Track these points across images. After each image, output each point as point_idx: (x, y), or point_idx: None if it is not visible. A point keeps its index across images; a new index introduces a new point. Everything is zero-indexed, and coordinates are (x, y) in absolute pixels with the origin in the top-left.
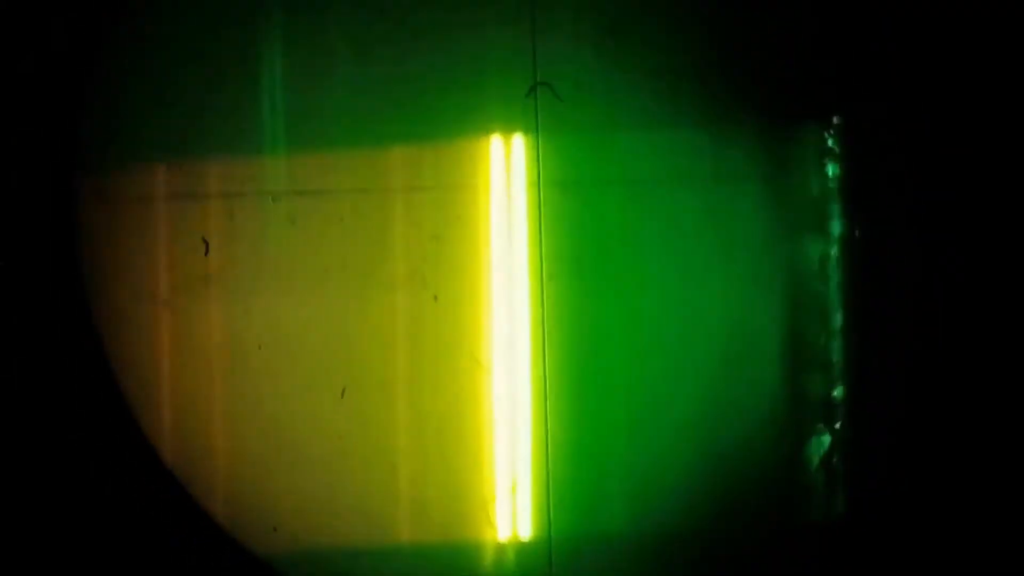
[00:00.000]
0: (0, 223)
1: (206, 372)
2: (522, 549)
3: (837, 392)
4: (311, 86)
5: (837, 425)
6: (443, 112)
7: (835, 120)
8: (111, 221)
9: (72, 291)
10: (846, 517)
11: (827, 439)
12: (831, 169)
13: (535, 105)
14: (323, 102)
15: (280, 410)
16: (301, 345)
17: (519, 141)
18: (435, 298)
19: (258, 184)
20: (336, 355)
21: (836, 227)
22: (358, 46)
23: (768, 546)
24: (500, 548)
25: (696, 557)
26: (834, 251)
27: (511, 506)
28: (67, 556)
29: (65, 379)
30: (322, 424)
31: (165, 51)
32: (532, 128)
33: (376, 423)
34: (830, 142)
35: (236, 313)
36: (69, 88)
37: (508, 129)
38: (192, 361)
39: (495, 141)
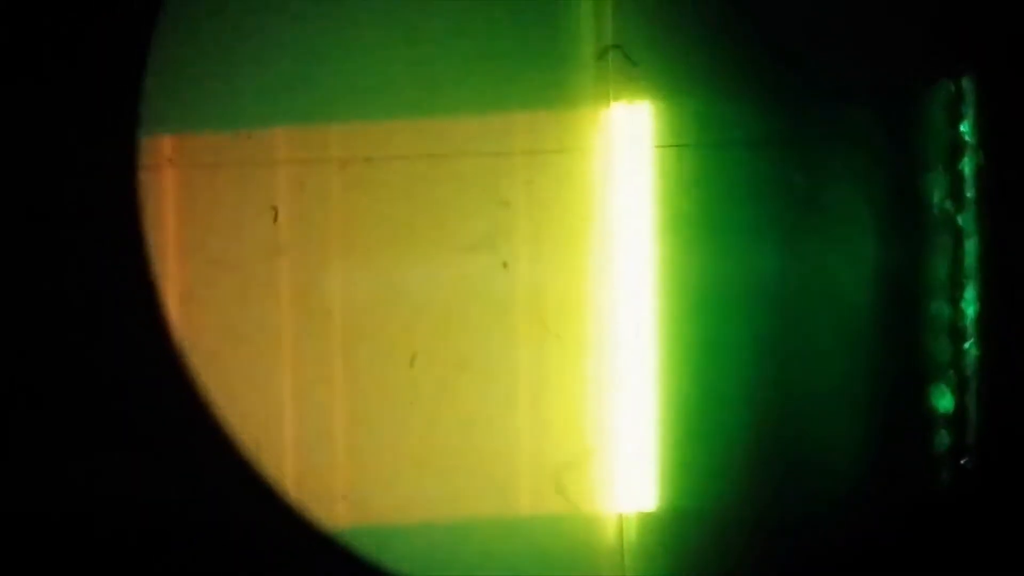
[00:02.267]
0: (64, 190)
1: (275, 341)
2: (592, 522)
3: (948, 363)
4: (378, 52)
5: (944, 399)
6: (511, 77)
7: (943, 81)
8: (177, 188)
9: (136, 259)
10: (946, 496)
11: (940, 409)
12: (939, 131)
13: (607, 69)
14: (391, 68)
15: (349, 378)
16: (370, 313)
17: (590, 106)
18: (504, 265)
19: (327, 151)
20: (406, 323)
21: (944, 190)
22: (425, 12)
23: (849, 527)
24: (570, 521)
25: (773, 537)
26: (944, 214)
27: (582, 477)
28: (133, 530)
29: (130, 351)
30: (391, 392)
31: (232, 15)
32: (604, 93)
33: (446, 391)
34: (937, 104)
35: (305, 281)
36: (134, 51)
37: (578, 94)
38: (260, 330)
39: (566, 106)
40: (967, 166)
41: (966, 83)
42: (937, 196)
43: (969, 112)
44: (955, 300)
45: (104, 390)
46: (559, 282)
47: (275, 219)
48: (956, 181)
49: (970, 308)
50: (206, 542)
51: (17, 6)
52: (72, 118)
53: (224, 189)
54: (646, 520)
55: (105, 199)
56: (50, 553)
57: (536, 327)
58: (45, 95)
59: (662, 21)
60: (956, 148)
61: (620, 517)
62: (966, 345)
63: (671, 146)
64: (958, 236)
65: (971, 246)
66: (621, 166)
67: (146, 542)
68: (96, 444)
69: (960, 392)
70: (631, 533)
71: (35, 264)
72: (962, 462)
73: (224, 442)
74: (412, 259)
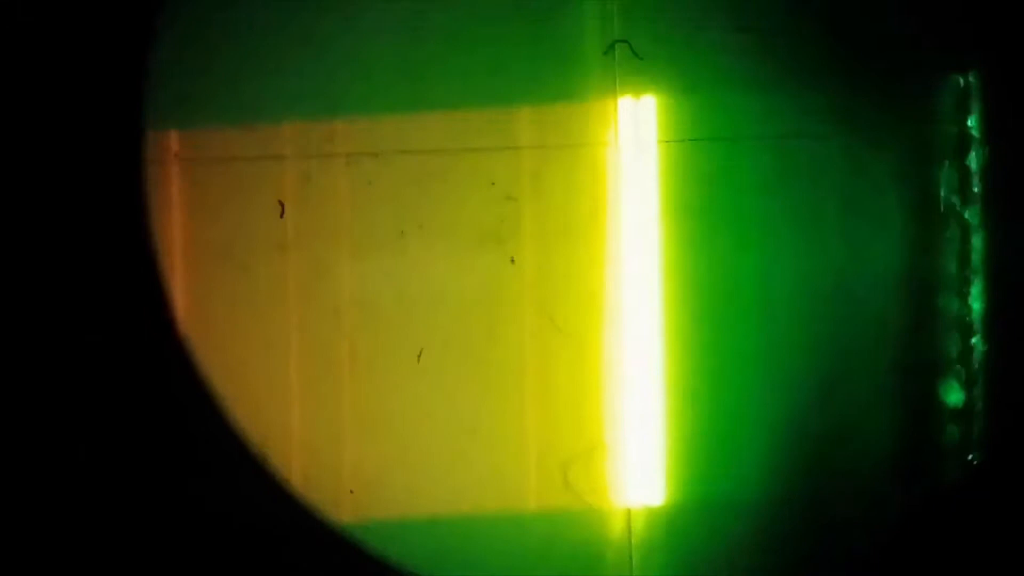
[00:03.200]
0: (70, 185)
1: (282, 336)
2: (600, 516)
3: (962, 353)
4: (385, 47)
5: (954, 393)
6: (518, 72)
7: (951, 75)
8: (183, 183)
9: (143, 254)
10: (961, 487)
11: (950, 401)
12: (946, 126)
13: (613, 63)
14: (397, 63)
15: (356, 373)
16: (377, 307)
17: (596, 100)
18: (512, 260)
19: (334, 145)
20: (412, 317)
21: (951, 184)
22: (432, 6)
23: (859, 522)
24: (577, 515)
25: (781, 531)
26: (951, 208)
27: (589, 472)
28: (139, 526)
29: (136, 345)
30: (398, 387)
31: (238, 10)
32: (611, 87)
33: (453, 386)
34: (945, 99)
35: (312, 276)
36: (141, 46)
37: (585, 88)
38: (267, 325)
39: (572, 101)
40: (974, 161)
41: (974, 77)
42: (944, 190)
43: (976, 106)
44: (963, 295)
45: (111, 385)
46: (566, 277)
47: (282, 214)
48: (963, 176)
49: (976, 303)
50: (213, 535)
51: (22, 2)
52: (78, 113)
53: (230, 184)
54: (654, 515)
55: (112, 194)
56: (53, 550)
57: (543, 322)
58: (51, 91)
59: (668, 15)
60: (964, 142)
61: (628, 512)
62: (973, 340)
63: (677, 140)
64: (965, 231)
65: (978, 241)
66: (628, 160)
67: (152, 536)
68: (101, 439)
69: (968, 387)
70: (639, 528)
71: (42, 259)
72: (969, 457)
73: (231, 436)
74: (419, 254)
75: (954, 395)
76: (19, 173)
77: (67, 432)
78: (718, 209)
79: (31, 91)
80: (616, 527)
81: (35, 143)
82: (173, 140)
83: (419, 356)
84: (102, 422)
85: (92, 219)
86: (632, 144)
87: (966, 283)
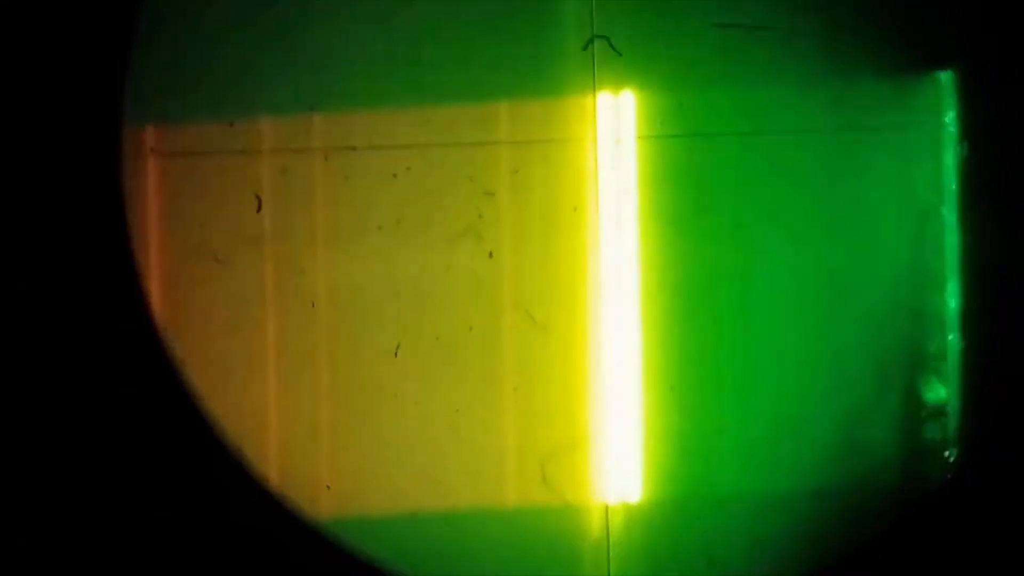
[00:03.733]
0: (46, 178)
1: (258, 330)
2: (579, 513)
3: (950, 348)
4: (363, 41)
5: (933, 390)
6: (497, 66)
7: (929, 72)
8: (160, 177)
9: (120, 249)
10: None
11: (935, 397)
12: (924, 123)
13: (592, 58)
14: (375, 57)
15: (333, 368)
16: (354, 302)
17: (575, 95)
18: (490, 255)
19: (311, 140)
20: (390, 312)
21: (928, 181)
22: (409, 1)
23: (838, 520)
24: (555, 511)
25: (760, 529)
26: (928, 205)
27: (567, 468)
28: (114, 522)
29: (112, 340)
30: (375, 382)
31: (216, 4)
32: (589, 83)
33: (430, 381)
34: (923, 95)
35: (289, 270)
36: (118, 41)
37: (564, 84)
38: (243, 319)
39: (551, 96)
40: (951, 158)
41: (951, 74)
42: (921, 187)
43: (954, 104)
44: (940, 292)
45: (87, 381)
46: (544, 272)
47: (258, 208)
48: (940, 172)
49: (953, 300)
50: (190, 532)
51: None
52: (55, 108)
53: (207, 178)
54: (632, 511)
55: (89, 188)
56: (28, 548)
57: (521, 317)
58: (28, 86)
59: (647, 11)
60: (941, 140)
61: (606, 508)
62: (950, 337)
63: (656, 136)
64: (942, 227)
65: (954, 238)
66: (606, 156)
67: (128, 533)
68: (77, 435)
69: (946, 383)
70: (617, 524)
71: (19, 254)
72: (946, 454)
73: (207, 432)
74: (396, 249)
75: (933, 392)
76: None
77: (42, 428)
78: (697, 205)
79: (7, 86)
80: (594, 523)
81: (11, 138)
82: (150, 134)
83: (396, 351)
84: (77, 417)
85: (69, 214)
86: (611, 139)
87: (942, 280)
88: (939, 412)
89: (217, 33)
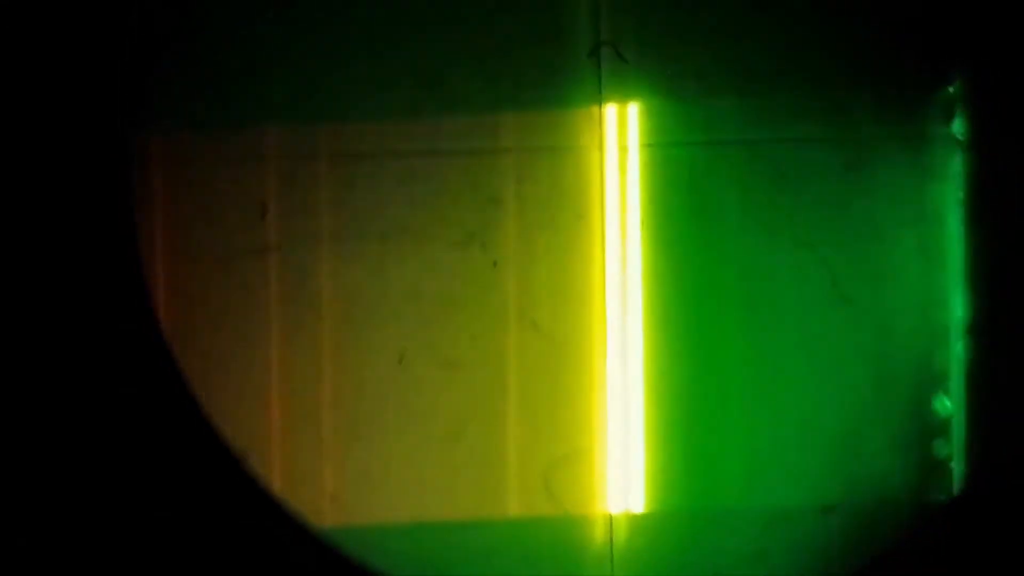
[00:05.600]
0: (55, 184)
1: (263, 337)
2: (582, 523)
3: (957, 360)
4: (368, 50)
5: (939, 403)
6: (503, 74)
7: (937, 81)
8: (168, 184)
9: (126, 256)
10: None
11: (941, 410)
12: (932, 131)
13: (598, 66)
14: (380, 66)
15: (338, 376)
16: (359, 310)
17: (581, 104)
18: (494, 263)
19: (317, 147)
20: (394, 320)
21: (936, 190)
22: (416, 9)
23: (842, 529)
24: (558, 521)
25: (763, 538)
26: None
27: (571, 478)
28: (117, 529)
29: (117, 347)
30: (379, 390)
31: (223, 13)
32: (595, 90)
33: (434, 390)
34: (931, 104)
35: (294, 278)
36: (124, 49)
37: (570, 92)
38: (248, 326)
39: (557, 104)
40: (957, 167)
41: (958, 84)
42: (927, 197)
43: (961, 113)
44: (946, 303)
45: (92, 387)
46: (549, 280)
47: (264, 215)
48: (946, 182)
49: (959, 311)
50: (192, 540)
51: (7, 5)
52: (63, 116)
53: (213, 185)
54: (635, 522)
55: (96, 195)
56: (28, 550)
57: (526, 326)
58: (35, 93)
59: (654, 19)
60: (948, 149)
61: (609, 518)
62: (956, 349)
63: (662, 144)
64: (948, 238)
65: (960, 248)
66: (612, 164)
67: (130, 539)
68: (80, 439)
69: (953, 397)
70: (620, 535)
71: (25, 260)
72: (952, 468)
73: (212, 439)
74: (401, 256)
75: (940, 405)
76: (2, 176)
77: (48, 431)
78: (702, 213)
79: (15, 94)
80: (597, 534)
81: (20, 145)
82: (157, 141)
83: (400, 359)
84: (81, 423)
85: (76, 221)
86: (616, 147)
87: (950, 291)
88: (946, 426)
89: (224, 40)
